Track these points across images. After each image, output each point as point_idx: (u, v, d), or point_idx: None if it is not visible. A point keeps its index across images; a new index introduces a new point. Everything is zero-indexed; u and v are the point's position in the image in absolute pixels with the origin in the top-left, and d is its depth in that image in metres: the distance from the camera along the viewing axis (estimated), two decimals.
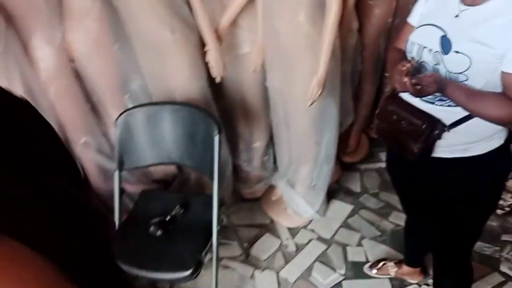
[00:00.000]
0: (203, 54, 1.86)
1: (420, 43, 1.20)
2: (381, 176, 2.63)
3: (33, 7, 1.61)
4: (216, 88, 2.08)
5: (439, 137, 1.20)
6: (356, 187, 2.56)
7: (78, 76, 1.88)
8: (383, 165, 2.71)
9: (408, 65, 1.14)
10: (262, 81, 2.05)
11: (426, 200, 1.44)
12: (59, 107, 1.82)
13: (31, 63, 1.67)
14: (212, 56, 1.80)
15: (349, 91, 2.32)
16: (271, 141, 2.36)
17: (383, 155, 2.80)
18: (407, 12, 2.51)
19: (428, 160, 1.27)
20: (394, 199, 2.44)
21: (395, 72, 1.17)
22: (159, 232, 1.68)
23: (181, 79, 1.90)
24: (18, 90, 1.58)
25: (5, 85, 1.40)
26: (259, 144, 2.36)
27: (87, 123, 1.96)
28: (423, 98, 1.20)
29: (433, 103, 1.20)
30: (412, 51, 1.22)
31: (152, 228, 1.69)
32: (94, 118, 2.00)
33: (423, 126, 1.19)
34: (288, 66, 1.79)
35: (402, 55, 1.29)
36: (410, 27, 1.30)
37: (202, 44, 1.84)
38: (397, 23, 2.51)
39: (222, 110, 2.20)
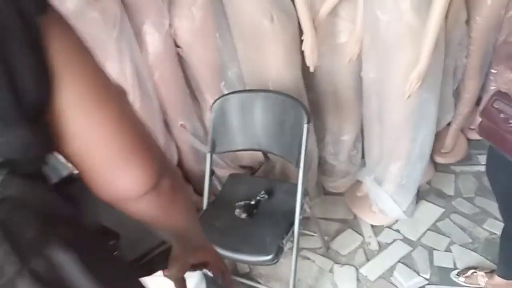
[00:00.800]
0: (300, 43, 1.86)
1: None
2: (478, 180, 2.45)
3: None
4: (309, 77, 2.08)
5: None
6: (449, 189, 2.41)
7: (181, 62, 2.00)
8: (481, 168, 2.52)
9: None
10: (357, 72, 2.01)
11: None
12: (162, 90, 1.96)
13: (141, 47, 1.81)
14: (308, 44, 1.80)
15: (451, 86, 2.18)
16: (360, 135, 2.30)
17: (482, 158, 2.60)
18: None
19: None
20: (491, 205, 2.26)
21: (506, 78, 1.09)
22: (243, 215, 1.74)
23: (276, 67, 1.93)
24: (127, 72, 1.72)
25: (116, 67, 1.54)
26: (347, 137, 2.32)
27: (186, 107, 2.08)
28: None
29: None
30: None
31: (237, 211, 1.76)
32: (192, 103, 2.12)
33: None
34: (387, 56, 1.73)
35: None
36: None
37: (300, 33, 1.84)
38: (510, 16, 2.30)
39: (312, 101, 2.20)
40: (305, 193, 1.71)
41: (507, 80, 1.08)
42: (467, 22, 2.07)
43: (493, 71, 2.52)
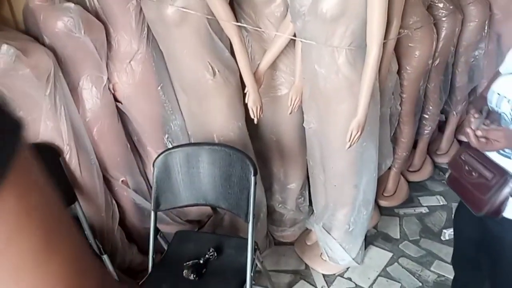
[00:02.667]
0: (242, 95, 1.88)
1: (500, 92, 1.13)
2: (421, 222, 2.53)
3: (82, 50, 1.69)
4: (254, 128, 2.08)
5: (511, 194, 1.12)
6: (395, 233, 2.45)
7: (121, 116, 1.94)
8: (423, 210, 2.62)
9: (476, 115, 1.08)
10: (299, 123, 2.05)
11: (490, 261, 1.33)
12: (101, 146, 1.87)
13: (78, 103, 1.73)
14: (251, 98, 1.81)
15: (388, 133, 2.28)
16: (307, 183, 2.32)
17: (423, 200, 2.70)
18: (448, 53, 2.53)
19: (498, 219, 1.18)
20: (435, 247, 2.33)
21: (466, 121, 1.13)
22: (192, 276, 1.65)
23: (220, 119, 1.93)
24: (63, 129, 1.63)
25: (51, 125, 1.46)
26: (294, 185, 2.33)
27: (127, 162, 2.00)
28: (500, 152, 1.13)
29: (509, 157, 1.12)
30: (492, 100, 1.15)
31: (185, 272, 1.66)
32: (133, 158, 2.04)
33: (493, 180, 1.12)
34: (327, 107, 1.78)
35: (483, 104, 1.23)
36: (498, 75, 1.24)
37: (242, 85, 1.86)
38: (437, 65, 2.49)
39: (258, 150, 2.20)
40: (255, 248, 1.66)
41: (464, 133, 1.12)
42: (398, 72, 2.21)
43: (425, 116, 2.70)
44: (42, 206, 0.39)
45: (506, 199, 1.11)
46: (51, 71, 1.55)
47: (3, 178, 0.35)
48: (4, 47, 1.39)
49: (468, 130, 1.07)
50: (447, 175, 1.31)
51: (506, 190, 1.10)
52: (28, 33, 1.67)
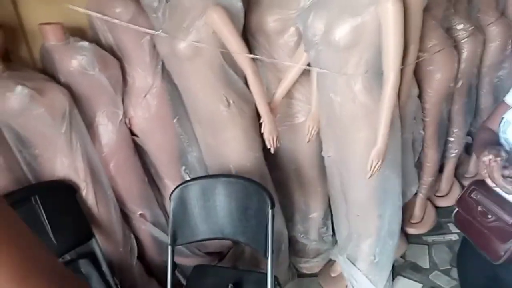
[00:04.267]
0: (258, 125, 1.85)
1: None
2: (451, 249, 2.40)
3: (97, 86, 1.71)
4: (272, 157, 2.05)
5: None
6: (424, 262, 2.34)
7: (137, 150, 1.94)
8: (453, 237, 2.49)
9: (498, 159, 0.95)
10: (318, 151, 2.00)
11: None
12: (118, 180, 1.87)
13: (94, 139, 1.74)
14: (267, 128, 1.79)
15: (412, 159, 2.20)
16: (329, 212, 2.25)
17: (452, 226, 2.58)
18: (471, 74, 2.46)
19: None
20: None
21: (482, 164, 0.99)
22: None
23: (236, 150, 1.90)
24: (79, 166, 1.64)
25: (67, 162, 1.46)
26: (316, 214, 2.27)
27: (145, 196, 1.99)
28: None
29: None
30: (506, 131, 1.05)
31: None
32: (151, 190, 2.03)
33: None
34: (345, 136, 1.73)
35: (493, 137, 1.12)
36: (506, 106, 1.12)
37: (257, 115, 1.84)
38: (460, 86, 2.41)
39: (277, 180, 2.16)
40: (275, 284, 1.60)
41: (487, 179, 1.01)
42: (419, 96, 2.14)
43: (451, 139, 2.61)
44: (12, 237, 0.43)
45: None
46: (66, 109, 1.56)
47: None
48: (19, 88, 1.42)
49: (496, 174, 0.93)
50: (453, 214, 1.18)
51: None
52: (45, 71, 1.70)
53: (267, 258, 1.56)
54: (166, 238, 1.93)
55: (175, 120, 1.96)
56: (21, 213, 1.54)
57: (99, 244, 1.74)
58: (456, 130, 2.60)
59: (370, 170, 1.62)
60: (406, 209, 2.44)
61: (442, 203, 2.75)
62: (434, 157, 2.47)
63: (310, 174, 2.12)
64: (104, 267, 1.76)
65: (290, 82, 1.84)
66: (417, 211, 2.58)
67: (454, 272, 2.24)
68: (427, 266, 2.31)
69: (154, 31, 1.65)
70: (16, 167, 1.59)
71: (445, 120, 2.47)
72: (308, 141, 1.93)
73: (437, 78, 2.19)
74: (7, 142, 1.55)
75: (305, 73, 1.84)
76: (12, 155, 1.58)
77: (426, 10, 1.77)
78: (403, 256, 2.37)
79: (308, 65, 1.76)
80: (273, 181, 2.08)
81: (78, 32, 1.82)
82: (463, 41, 2.35)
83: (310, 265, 2.34)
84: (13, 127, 1.52)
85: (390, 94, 1.52)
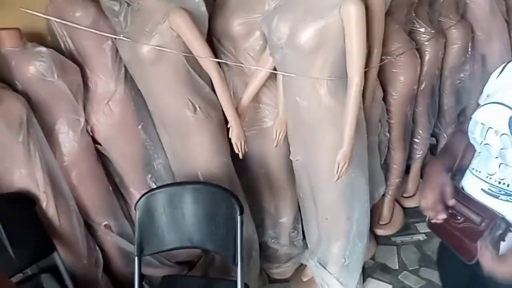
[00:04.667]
0: (226, 130, 1.83)
1: (484, 122, 1.03)
2: (419, 249, 2.45)
3: (57, 93, 1.64)
4: (240, 162, 2.03)
5: (502, 238, 1.01)
6: (393, 263, 2.37)
7: (100, 158, 1.88)
8: (420, 237, 2.54)
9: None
10: (286, 155, 2.00)
11: None
12: (81, 190, 1.80)
13: (54, 148, 1.67)
14: (234, 133, 1.77)
15: (378, 161, 2.22)
16: (299, 216, 2.24)
17: (420, 226, 2.63)
18: (433, 77, 2.52)
19: None
20: (436, 276, 2.23)
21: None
22: None
23: (204, 156, 1.86)
24: (38, 176, 1.57)
25: (25, 173, 1.40)
26: (286, 219, 2.26)
27: (109, 205, 1.93)
28: (485, 190, 1.04)
29: (497, 196, 1.02)
30: (475, 131, 1.05)
31: None
32: (116, 200, 1.97)
33: (482, 224, 1.02)
34: (311, 139, 1.73)
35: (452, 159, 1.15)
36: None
37: (225, 120, 1.82)
38: (423, 89, 2.47)
39: (246, 185, 2.14)
40: None
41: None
42: (384, 98, 2.18)
43: (416, 140, 2.66)
44: None
45: (497, 243, 1.00)
46: (23, 117, 1.49)
47: None
48: None
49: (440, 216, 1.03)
50: (426, 219, 1.20)
51: (496, 234, 1.00)
52: (1, 79, 1.62)
53: (236, 265, 1.53)
54: (133, 249, 1.87)
55: (140, 126, 1.91)
56: None
57: (61, 257, 1.67)
58: (421, 131, 2.66)
59: (336, 173, 1.63)
60: (375, 211, 2.47)
61: (409, 203, 2.80)
62: (400, 158, 2.51)
63: (279, 178, 2.11)
64: (67, 281, 1.68)
65: (256, 86, 1.82)
66: (385, 212, 2.62)
67: (423, 272, 2.28)
68: (396, 267, 2.34)
69: (115, 36, 1.61)
70: None
71: (410, 122, 2.52)
72: (276, 146, 1.92)
73: (401, 80, 2.24)
74: None
75: (272, 77, 1.84)
76: None
77: (388, 14, 1.81)
78: (373, 258, 2.39)
79: (274, 69, 1.75)
80: (242, 187, 2.06)
81: (36, 38, 1.75)
82: (425, 44, 2.41)
83: (281, 270, 2.33)
84: None
85: (354, 96, 1.53)
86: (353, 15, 1.44)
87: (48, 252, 1.62)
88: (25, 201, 1.57)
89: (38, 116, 1.61)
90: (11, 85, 1.60)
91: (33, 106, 1.60)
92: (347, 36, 1.48)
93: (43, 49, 1.59)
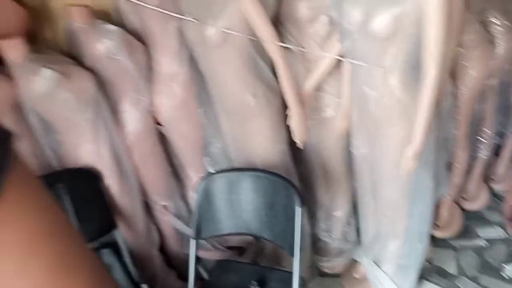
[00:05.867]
0: (286, 117, 1.79)
1: None
2: (480, 256, 2.31)
3: (123, 72, 1.66)
4: (297, 151, 1.98)
5: None
6: (451, 267, 2.25)
7: (161, 139, 1.89)
8: (481, 243, 2.40)
9: None
10: (346, 146, 1.93)
11: None
12: (142, 170, 1.82)
13: (118, 126, 1.70)
14: (295, 121, 1.72)
15: (443, 159, 2.10)
16: (354, 210, 2.18)
17: (480, 231, 2.49)
18: (504, 73, 2.35)
19: None
20: (496, 285, 2.11)
21: None
22: None
23: (262, 143, 1.84)
24: (104, 153, 1.60)
25: (92, 149, 1.42)
26: (340, 213, 2.19)
27: (168, 186, 1.94)
28: None
29: None
30: None
31: None
32: (174, 181, 1.99)
33: None
34: (377, 132, 1.65)
35: None
36: None
37: (285, 108, 1.78)
38: (492, 85, 2.31)
39: (301, 175, 2.09)
40: (301, 284, 1.54)
41: None
42: (453, 93, 2.05)
43: (481, 139, 2.51)
44: (50, 224, 0.40)
45: None
46: (92, 94, 1.52)
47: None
48: (47, 71, 1.38)
49: None
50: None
51: None
52: (70, 54, 1.66)
53: (294, 256, 1.50)
54: (188, 231, 1.89)
55: (201, 110, 1.90)
56: None
57: (121, 234, 1.70)
58: (487, 130, 2.50)
59: (403, 169, 1.55)
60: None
61: (470, 206, 2.65)
62: (464, 158, 2.37)
63: (336, 170, 2.05)
64: (126, 258, 1.72)
65: (321, 74, 1.76)
66: (444, 213, 2.49)
67: (483, 280, 2.16)
68: (454, 272, 2.23)
69: (182, 16, 1.60)
70: (40, 152, 1.55)
71: (476, 119, 2.38)
72: (337, 136, 1.85)
73: (471, 74, 2.10)
74: (32, 127, 1.52)
75: (337, 64, 1.77)
76: (37, 141, 1.54)
77: None
78: (429, 260, 2.29)
79: (341, 56, 1.68)
80: (297, 175, 2.01)
81: (102, 16, 1.77)
82: (498, 36, 2.24)
83: (332, 265, 2.27)
84: (38, 111, 1.48)
85: (430, 88, 1.43)
86: (435, 2, 1.34)
87: (110, 229, 1.66)
88: (90, 176, 1.61)
89: (105, 94, 1.64)
90: (80, 61, 1.63)
91: (100, 83, 1.62)
92: (427, 23, 1.38)
93: (111, 27, 1.60)
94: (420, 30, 1.41)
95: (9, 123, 1.47)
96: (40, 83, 1.40)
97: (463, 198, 2.70)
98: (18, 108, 1.49)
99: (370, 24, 1.44)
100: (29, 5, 1.62)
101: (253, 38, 1.61)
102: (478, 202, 2.66)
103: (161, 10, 1.52)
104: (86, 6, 1.62)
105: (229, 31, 1.57)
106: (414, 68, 1.50)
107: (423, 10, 1.38)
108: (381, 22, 1.42)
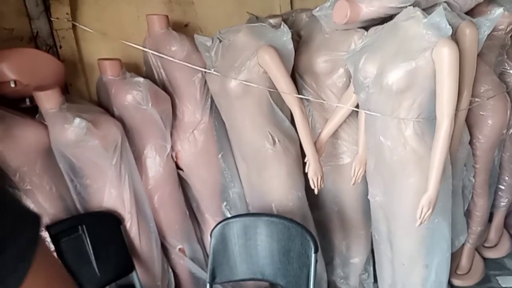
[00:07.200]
0: (302, 164, 1.84)
1: None
2: None
3: (149, 120, 1.76)
4: (314, 196, 2.01)
5: None
6: None
7: (181, 183, 1.96)
8: None
9: None
10: (363, 193, 1.95)
11: None
12: (161, 213, 1.88)
13: (141, 171, 1.78)
14: (312, 168, 1.76)
15: (461, 207, 2.10)
16: (371, 258, 2.16)
17: (501, 280, 2.42)
18: None
19: None
20: None
21: None
22: None
23: (279, 189, 1.88)
24: (125, 197, 1.67)
25: (115, 193, 1.49)
26: (357, 260, 2.18)
27: (185, 230, 1.99)
28: None
29: None
30: None
31: None
32: (191, 225, 2.03)
33: None
34: (393, 181, 1.68)
35: None
36: None
37: (303, 154, 1.82)
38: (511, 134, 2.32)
39: (317, 220, 2.11)
40: None
41: None
42: (470, 142, 2.07)
43: (501, 187, 2.48)
44: None
45: None
46: (118, 141, 1.61)
47: (28, 266, 0.37)
48: (77, 120, 1.48)
49: None
50: None
51: None
52: (100, 104, 1.77)
53: None
54: (204, 275, 1.91)
55: (220, 155, 1.97)
56: (69, 242, 1.56)
57: (138, 277, 1.74)
58: (507, 178, 2.48)
59: (419, 218, 1.56)
60: (453, 260, 2.30)
61: (491, 254, 2.60)
62: (484, 205, 2.35)
63: (353, 217, 2.06)
64: None
65: (337, 123, 1.82)
66: (464, 262, 2.44)
67: None
68: None
69: (206, 69, 1.70)
70: (66, 196, 1.63)
71: (496, 167, 2.37)
72: (353, 184, 1.88)
73: (489, 124, 2.12)
74: (60, 171, 1.61)
75: (353, 114, 1.83)
76: (64, 184, 1.62)
77: (479, 55, 1.73)
78: None
79: (357, 106, 1.74)
80: (313, 221, 2.03)
81: (133, 68, 1.90)
82: None
83: None
84: (68, 157, 1.57)
85: (443, 139, 1.47)
86: (447, 58, 1.40)
87: (128, 271, 1.70)
88: (111, 220, 1.67)
89: (130, 141, 1.73)
90: (109, 111, 1.74)
91: (126, 131, 1.72)
92: (439, 78, 1.44)
93: (140, 79, 1.71)
94: (432, 84, 1.47)
95: (40, 166, 1.57)
96: (71, 131, 1.49)
97: (485, 246, 2.65)
98: (49, 152, 1.58)
99: (385, 79, 1.51)
100: (66, 59, 1.75)
101: (272, 90, 1.69)
102: (499, 250, 2.61)
103: (187, 64, 1.62)
104: (117, 59, 1.74)
105: (250, 84, 1.65)
106: (428, 120, 1.54)
107: (436, 66, 1.44)
108: (394, 76, 1.48)
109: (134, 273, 1.72)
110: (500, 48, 2.12)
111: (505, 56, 2.20)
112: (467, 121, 1.98)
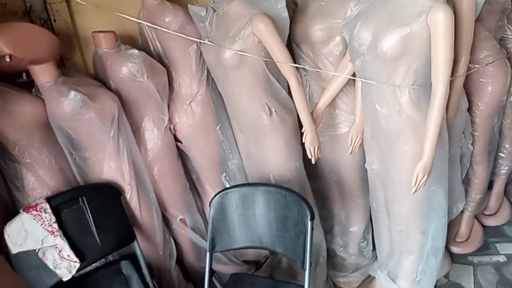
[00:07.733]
0: (300, 135, 1.84)
1: None
2: (498, 272, 2.28)
3: (146, 93, 1.76)
4: (312, 166, 2.03)
5: None
6: (469, 283, 2.23)
7: (180, 155, 1.98)
8: (500, 258, 2.37)
9: None
10: (360, 162, 1.96)
11: None
12: (161, 185, 1.91)
13: (139, 144, 1.79)
14: (308, 138, 1.77)
15: (459, 174, 2.11)
16: (370, 226, 2.19)
17: (500, 247, 2.46)
18: None
19: None
20: None
21: None
22: None
23: (277, 159, 1.89)
24: (125, 170, 1.69)
25: (114, 165, 1.52)
26: (356, 228, 2.21)
27: (185, 201, 2.02)
28: None
29: None
30: None
31: None
32: (192, 196, 2.06)
33: None
34: (390, 148, 1.69)
35: None
36: None
37: (300, 124, 1.83)
38: None
39: (317, 190, 2.13)
40: None
41: None
42: (469, 109, 2.06)
43: (501, 154, 2.48)
44: None
45: None
46: (115, 114, 1.62)
47: None
48: (72, 93, 1.49)
49: None
50: None
51: None
52: (97, 77, 1.77)
53: (304, 270, 1.54)
54: (205, 244, 1.94)
55: (218, 127, 1.98)
56: (69, 213, 1.60)
57: (140, 246, 1.78)
58: (507, 145, 2.47)
59: (414, 185, 1.57)
60: (452, 227, 2.34)
61: (490, 222, 2.62)
62: (483, 173, 2.36)
63: (352, 186, 2.08)
64: (144, 270, 1.79)
65: (334, 92, 1.81)
66: (463, 229, 2.47)
67: None
68: None
69: (201, 40, 1.69)
70: (66, 168, 1.66)
71: (496, 135, 2.37)
72: (350, 153, 1.89)
73: (489, 91, 2.10)
74: (59, 144, 1.63)
75: (350, 82, 1.82)
76: (64, 157, 1.65)
77: (478, 20, 1.71)
78: (446, 276, 2.27)
79: (353, 75, 1.73)
80: (312, 191, 2.05)
81: (128, 40, 1.89)
82: None
83: (348, 280, 2.29)
84: (66, 130, 1.59)
85: (438, 106, 1.47)
86: (441, 22, 1.38)
87: (129, 241, 1.74)
88: (111, 191, 1.70)
89: (127, 114, 1.74)
90: (105, 84, 1.74)
91: (124, 104, 1.73)
92: (434, 44, 1.42)
93: (135, 51, 1.70)
94: (427, 50, 1.45)
95: (39, 140, 1.59)
96: (67, 104, 1.51)
97: (484, 214, 2.67)
98: (47, 126, 1.60)
99: (379, 45, 1.49)
100: (61, 33, 1.75)
101: (267, 59, 1.68)
102: (499, 217, 2.63)
103: (181, 35, 1.61)
104: (112, 32, 1.73)
105: (245, 53, 1.64)
106: (424, 87, 1.54)
107: (431, 31, 1.42)
108: (389, 42, 1.47)
109: (135, 243, 1.75)
110: (500, 13, 2.09)
111: (506, 21, 2.16)
112: (466, 88, 1.97)
